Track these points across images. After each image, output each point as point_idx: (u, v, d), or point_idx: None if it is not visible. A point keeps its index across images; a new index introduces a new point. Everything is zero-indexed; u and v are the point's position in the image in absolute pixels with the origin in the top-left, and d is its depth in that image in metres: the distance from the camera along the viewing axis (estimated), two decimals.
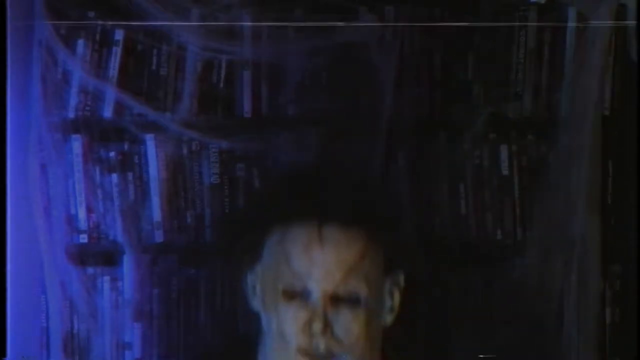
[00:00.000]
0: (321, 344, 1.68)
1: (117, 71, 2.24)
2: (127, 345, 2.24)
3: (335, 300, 1.68)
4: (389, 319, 1.77)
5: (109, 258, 2.26)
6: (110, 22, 2.23)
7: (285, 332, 1.69)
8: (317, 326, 1.67)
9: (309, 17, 2.23)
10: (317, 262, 1.67)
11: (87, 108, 2.24)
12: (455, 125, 2.28)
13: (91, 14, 2.24)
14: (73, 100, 2.23)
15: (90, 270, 2.24)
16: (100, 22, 2.23)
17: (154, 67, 2.25)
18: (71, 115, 2.23)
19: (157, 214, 2.25)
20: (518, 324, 2.19)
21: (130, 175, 2.25)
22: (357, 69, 2.23)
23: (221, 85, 2.26)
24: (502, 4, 2.29)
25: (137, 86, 2.25)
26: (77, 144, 2.24)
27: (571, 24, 2.26)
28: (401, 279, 1.77)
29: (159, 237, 2.26)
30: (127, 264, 2.24)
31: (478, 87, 2.29)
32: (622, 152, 2.26)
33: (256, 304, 1.78)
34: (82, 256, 2.23)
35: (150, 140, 2.25)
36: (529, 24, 2.28)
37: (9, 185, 2.10)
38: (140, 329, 2.24)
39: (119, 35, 2.24)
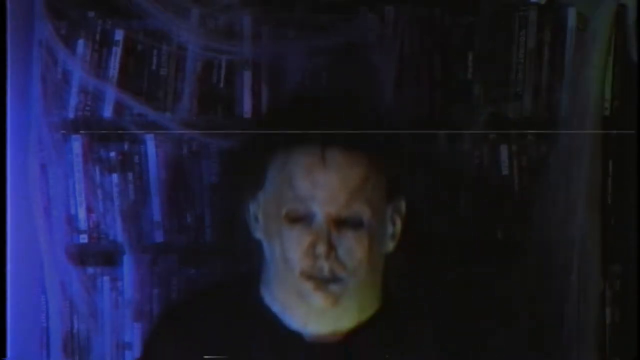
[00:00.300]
0: (325, 267, 1.68)
1: (117, 71, 2.24)
2: (127, 345, 2.24)
3: (338, 222, 1.68)
4: (390, 245, 1.78)
5: (109, 258, 2.26)
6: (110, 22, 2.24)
7: (289, 256, 1.69)
8: (321, 248, 1.67)
9: (309, 16, 2.23)
10: (321, 185, 1.68)
11: (87, 108, 2.24)
12: (455, 125, 2.28)
13: (91, 13, 2.24)
14: (73, 100, 2.23)
15: (90, 270, 2.24)
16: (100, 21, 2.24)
17: (154, 67, 2.25)
18: (71, 115, 2.23)
19: (157, 214, 2.25)
20: (518, 324, 2.19)
21: (130, 175, 2.25)
22: (357, 69, 2.23)
23: (221, 85, 2.26)
24: (502, 4, 2.29)
25: (137, 86, 2.24)
26: (77, 144, 2.23)
27: (571, 23, 2.27)
28: (403, 206, 1.78)
29: (159, 237, 2.26)
30: (127, 264, 2.24)
31: (478, 87, 2.28)
32: (622, 152, 2.27)
33: (258, 233, 1.78)
34: (82, 256, 2.23)
35: (150, 140, 2.25)
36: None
37: (9, 186, 2.10)
38: (140, 329, 2.24)
39: (119, 35, 2.24)
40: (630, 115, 2.24)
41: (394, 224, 1.77)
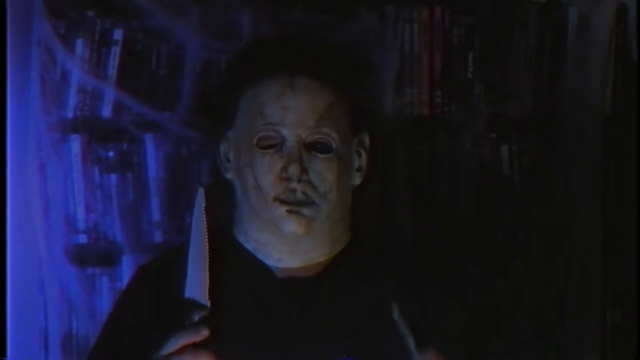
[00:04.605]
0: (297, 189, 1.72)
1: (116, 71, 2.23)
2: None
3: (308, 146, 1.73)
4: (357, 178, 1.81)
5: (108, 258, 2.25)
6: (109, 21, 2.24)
7: (261, 182, 1.73)
8: (294, 167, 1.71)
9: (309, 16, 2.23)
10: (290, 109, 1.72)
11: (86, 108, 2.23)
12: (455, 125, 2.28)
13: (90, 13, 2.23)
14: (72, 100, 2.22)
15: (89, 270, 2.23)
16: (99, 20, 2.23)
17: (153, 66, 2.25)
18: (70, 115, 2.23)
19: (156, 214, 2.25)
20: (519, 324, 2.19)
21: (129, 175, 2.25)
22: None
23: None
24: (502, 4, 2.29)
25: (136, 86, 2.24)
26: (76, 143, 2.23)
27: (571, 23, 2.27)
28: (366, 139, 1.82)
29: (158, 237, 2.25)
30: (126, 264, 2.23)
31: (478, 87, 2.29)
32: (622, 152, 2.27)
33: (230, 173, 1.81)
34: (81, 256, 2.22)
35: (149, 140, 2.24)
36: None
37: (8, 185, 2.09)
38: None
39: (118, 34, 2.23)
40: (631, 115, 2.25)
41: (359, 156, 1.81)
